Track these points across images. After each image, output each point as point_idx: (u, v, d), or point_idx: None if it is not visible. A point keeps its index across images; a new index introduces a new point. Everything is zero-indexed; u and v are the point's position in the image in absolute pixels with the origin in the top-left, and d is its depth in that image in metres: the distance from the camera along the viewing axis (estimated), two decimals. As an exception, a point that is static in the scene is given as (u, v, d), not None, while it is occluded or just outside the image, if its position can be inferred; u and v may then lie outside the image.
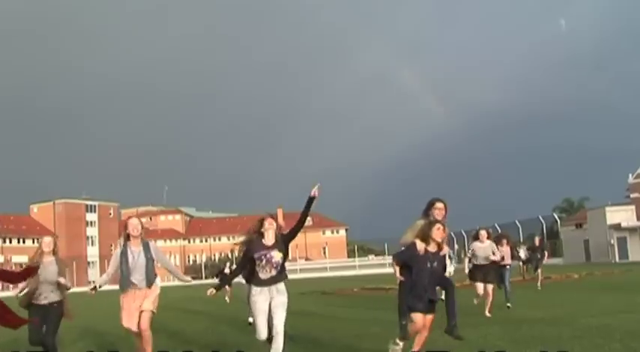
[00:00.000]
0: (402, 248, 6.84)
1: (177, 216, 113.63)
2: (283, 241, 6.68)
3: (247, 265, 6.79)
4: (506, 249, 13.47)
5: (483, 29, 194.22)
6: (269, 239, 6.59)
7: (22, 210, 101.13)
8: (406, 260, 6.55)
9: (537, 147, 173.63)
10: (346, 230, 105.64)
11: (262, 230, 6.62)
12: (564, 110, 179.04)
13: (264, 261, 6.50)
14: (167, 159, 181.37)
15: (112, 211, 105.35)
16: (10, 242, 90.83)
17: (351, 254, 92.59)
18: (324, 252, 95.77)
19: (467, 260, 12.72)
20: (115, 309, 8.15)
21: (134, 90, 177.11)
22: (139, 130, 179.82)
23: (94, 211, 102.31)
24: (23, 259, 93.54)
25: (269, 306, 6.51)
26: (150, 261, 7.13)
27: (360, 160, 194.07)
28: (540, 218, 67.10)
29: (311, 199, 6.65)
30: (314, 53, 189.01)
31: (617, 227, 54.84)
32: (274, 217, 6.81)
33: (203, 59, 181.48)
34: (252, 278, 6.63)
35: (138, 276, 7.05)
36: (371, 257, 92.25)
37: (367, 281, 31.96)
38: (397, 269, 6.64)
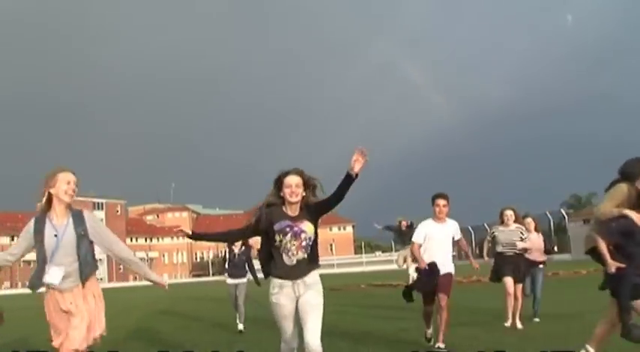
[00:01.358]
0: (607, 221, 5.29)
1: (184, 213, 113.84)
2: (312, 211, 4.70)
3: (247, 234, 5.01)
4: (536, 238, 9.83)
5: (487, 23, 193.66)
6: (293, 207, 4.65)
7: (31, 208, 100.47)
8: (623, 237, 5.07)
9: (543, 141, 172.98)
10: (353, 226, 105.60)
11: (282, 193, 4.67)
12: (570, 104, 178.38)
13: (288, 236, 4.56)
14: (174, 157, 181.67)
15: (119, 208, 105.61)
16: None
17: (358, 250, 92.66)
18: (331, 249, 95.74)
19: (486, 248, 9.84)
20: (120, 306, 8.04)
21: (140, 87, 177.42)
22: (146, 127, 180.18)
23: (102, 208, 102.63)
24: (32, 257, 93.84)
25: (295, 308, 4.64)
26: (82, 239, 4.48)
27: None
28: (547, 214, 66.89)
29: (349, 178, 4.51)
30: (318, 50, 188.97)
31: (625, 222, 54.59)
32: (301, 173, 4.71)
33: (208, 58, 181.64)
34: (270, 267, 4.69)
35: (59, 268, 4.42)
36: (378, 253, 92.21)
37: (374, 277, 31.95)
38: (605, 249, 5.21)
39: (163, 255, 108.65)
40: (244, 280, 10.56)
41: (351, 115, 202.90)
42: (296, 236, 4.60)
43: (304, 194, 4.68)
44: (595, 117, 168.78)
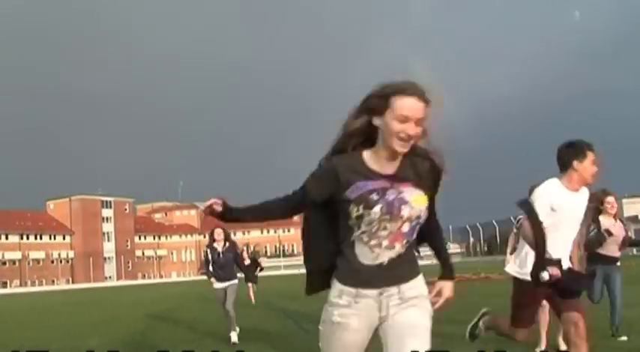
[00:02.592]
0: None
1: (193, 211, 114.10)
2: (425, 172, 2.44)
3: (297, 206, 2.54)
4: (620, 225, 7.20)
5: (492, 19, 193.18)
6: (389, 157, 2.39)
7: (39, 206, 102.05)
8: None
9: (552, 139, 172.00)
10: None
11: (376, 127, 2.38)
12: (577, 101, 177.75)
13: (377, 209, 2.32)
14: (182, 155, 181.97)
15: (127, 207, 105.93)
16: (28, 238, 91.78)
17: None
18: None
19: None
20: (127, 304, 7.89)
21: (148, 87, 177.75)
22: (155, 125, 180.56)
23: (110, 207, 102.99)
24: (40, 255, 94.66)
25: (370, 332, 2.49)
26: None
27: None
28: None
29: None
30: (324, 49, 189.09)
31: (634, 219, 54.40)
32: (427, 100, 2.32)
33: (218, 57, 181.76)
34: (336, 264, 2.51)
35: None
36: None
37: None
38: None
39: (172, 253, 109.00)
40: (234, 281, 9.11)
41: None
42: (392, 209, 2.35)
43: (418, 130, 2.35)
44: (604, 115, 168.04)
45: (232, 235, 9.51)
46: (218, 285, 9.04)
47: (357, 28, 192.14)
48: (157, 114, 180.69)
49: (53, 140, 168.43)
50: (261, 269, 18.78)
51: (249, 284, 16.06)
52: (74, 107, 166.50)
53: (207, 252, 9.13)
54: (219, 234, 9.02)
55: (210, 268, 9.04)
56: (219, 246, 8.99)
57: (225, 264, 8.96)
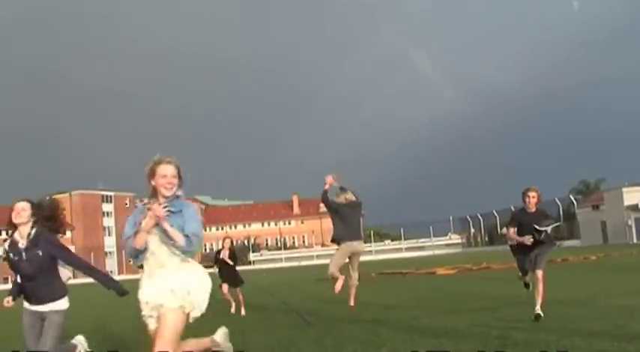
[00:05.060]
0: None
1: (193, 205, 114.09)
2: None
3: None
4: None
5: (493, 9, 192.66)
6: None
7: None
8: None
9: (552, 128, 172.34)
10: (362, 215, 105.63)
11: None
12: (579, 91, 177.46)
13: None
14: (182, 148, 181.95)
15: (128, 201, 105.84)
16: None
17: (367, 239, 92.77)
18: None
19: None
20: (127, 300, 7.66)
21: (148, 81, 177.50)
22: (155, 120, 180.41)
23: (110, 202, 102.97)
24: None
25: None
26: None
27: (374, 146, 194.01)
28: (557, 200, 66.72)
29: None
30: (323, 43, 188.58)
31: (634, 208, 54.50)
32: None
33: (222, 49, 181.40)
34: None
35: None
36: (387, 242, 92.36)
37: (384, 266, 31.93)
38: None
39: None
40: (58, 303, 5.21)
41: (359, 105, 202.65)
42: None
43: None
44: (604, 105, 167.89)
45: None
46: (29, 306, 5.19)
47: (356, 21, 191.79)
48: (157, 109, 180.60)
49: (53, 135, 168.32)
50: (234, 262, 12.29)
51: (237, 290, 12.02)
52: (73, 102, 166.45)
53: (5, 250, 5.00)
54: (19, 210, 4.94)
55: (17, 277, 5.07)
56: (21, 237, 4.93)
57: (31, 271, 4.91)
